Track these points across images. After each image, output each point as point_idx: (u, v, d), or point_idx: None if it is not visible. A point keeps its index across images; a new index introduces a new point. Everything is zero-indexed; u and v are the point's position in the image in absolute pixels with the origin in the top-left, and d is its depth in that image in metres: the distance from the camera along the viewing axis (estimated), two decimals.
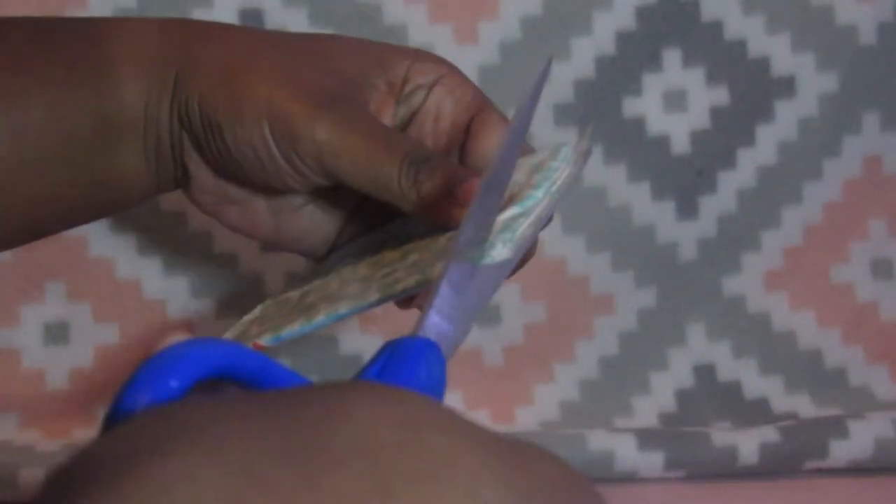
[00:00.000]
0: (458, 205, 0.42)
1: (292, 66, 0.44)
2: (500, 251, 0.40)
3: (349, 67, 0.45)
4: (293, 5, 0.64)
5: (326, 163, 0.43)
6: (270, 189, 0.46)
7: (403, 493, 0.22)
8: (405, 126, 0.47)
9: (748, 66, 0.67)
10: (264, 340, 0.44)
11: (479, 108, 0.46)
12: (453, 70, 0.47)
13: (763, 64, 0.67)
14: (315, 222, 0.48)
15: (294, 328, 0.44)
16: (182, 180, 0.47)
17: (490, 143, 0.45)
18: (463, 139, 0.46)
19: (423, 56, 0.47)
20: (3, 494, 0.60)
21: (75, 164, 0.45)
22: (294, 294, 0.46)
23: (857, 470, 0.63)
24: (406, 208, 0.43)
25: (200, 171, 0.46)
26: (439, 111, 0.46)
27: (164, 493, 0.21)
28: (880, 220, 0.70)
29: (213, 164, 0.45)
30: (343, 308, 0.43)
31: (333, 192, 0.47)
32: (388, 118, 0.46)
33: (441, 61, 0.47)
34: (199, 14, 0.63)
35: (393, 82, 0.46)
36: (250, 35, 0.47)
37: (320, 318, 0.43)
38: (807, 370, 0.69)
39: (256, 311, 0.47)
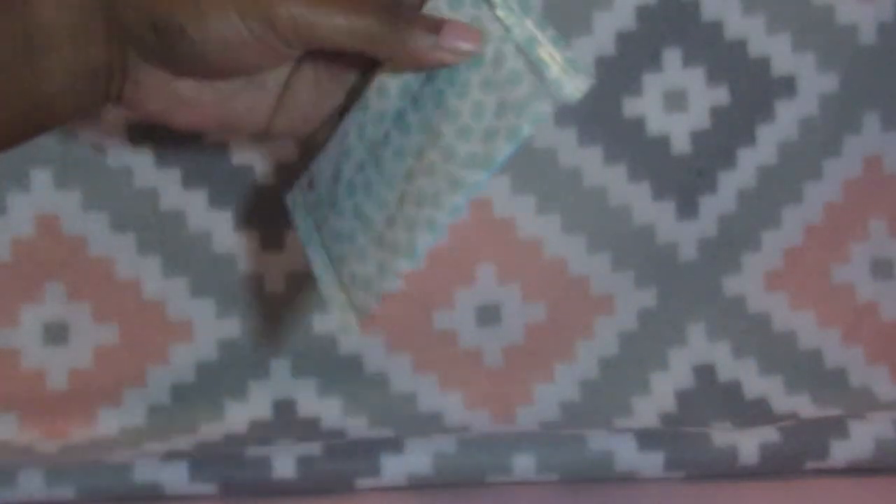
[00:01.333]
0: (440, 47, 0.44)
1: None
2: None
3: None
4: None
5: (304, 33, 0.44)
6: (236, 72, 0.47)
7: None
8: None
9: (748, 66, 0.67)
10: (402, 267, 0.45)
11: None
12: None
13: (763, 64, 0.67)
14: (256, 100, 0.49)
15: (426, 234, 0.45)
16: (122, 93, 0.47)
17: None
18: None
19: None
20: (3, 494, 0.60)
21: None
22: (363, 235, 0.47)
23: (857, 470, 0.63)
24: (390, 54, 0.45)
25: (151, 78, 0.47)
26: None
27: None
28: (880, 220, 0.70)
29: (170, 65, 0.46)
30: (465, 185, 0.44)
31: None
32: None
33: None
34: None
35: None
36: None
37: (455, 198, 0.45)
38: (807, 370, 0.69)
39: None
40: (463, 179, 0.44)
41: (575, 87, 0.42)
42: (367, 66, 0.49)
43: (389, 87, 0.47)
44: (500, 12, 0.44)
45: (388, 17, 0.45)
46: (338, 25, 0.44)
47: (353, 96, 0.50)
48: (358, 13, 0.44)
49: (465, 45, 0.45)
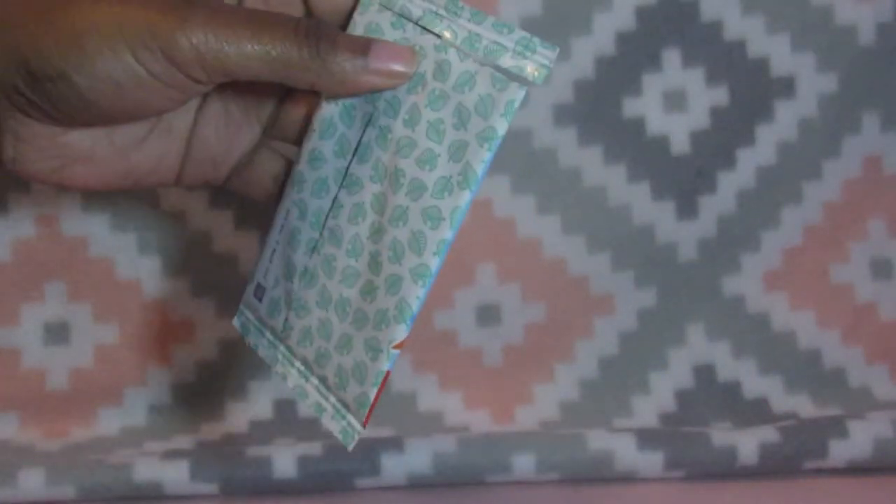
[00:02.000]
0: (370, 70, 0.40)
1: None
2: None
3: None
4: None
5: (212, 65, 0.39)
6: (134, 117, 0.41)
7: None
8: None
9: (748, 66, 0.67)
10: (398, 337, 0.40)
11: None
12: None
13: (763, 64, 0.67)
14: (163, 147, 0.44)
15: (411, 300, 0.40)
16: (1, 154, 0.42)
17: None
18: (304, 8, 0.43)
19: None
20: (2, 495, 0.60)
21: None
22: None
23: (856, 470, 0.63)
24: (313, 81, 0.40)
25: (34, 133, 0.41)
26: None
27: None
28: (880, 220, 0.70)
29: (54, 117, 0.40)
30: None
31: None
32: None
33: None
34: None
35: None
36: None
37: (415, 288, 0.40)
38: (806, 370, 0.69)
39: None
40: (443, 209, 0.39)
41: (538, 64, 0.38)
42: (283, 93, 0.45)
43: (322, 151, 0.43)
44: (427, 22, 0.40)
45: (307, 39, 0.39)
46: (250, 53, 0.39)
47: (272, 131, 0.46)
48: (272, 37, 0.39)
49: (398, 66, 0.40)
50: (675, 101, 0.67)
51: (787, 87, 0.68)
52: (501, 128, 0.39)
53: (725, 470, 0.63)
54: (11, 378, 0.65)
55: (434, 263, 0.39)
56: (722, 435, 0.63)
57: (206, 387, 0.67)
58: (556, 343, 0.68)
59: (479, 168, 0.39)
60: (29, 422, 0.65)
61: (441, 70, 0.40)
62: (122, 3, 0.39)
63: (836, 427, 0.63)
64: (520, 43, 0.39)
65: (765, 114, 0.68)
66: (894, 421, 0.64)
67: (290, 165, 0.46)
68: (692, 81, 0.67)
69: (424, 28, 0.40)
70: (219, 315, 0.66)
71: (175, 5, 0.39)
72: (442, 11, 0.40)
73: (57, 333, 0.66)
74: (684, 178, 0.68)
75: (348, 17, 0.43)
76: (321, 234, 0.42)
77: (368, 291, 0.40)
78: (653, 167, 0.68)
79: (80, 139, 0.42)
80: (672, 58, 0.67)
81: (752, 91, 0.68)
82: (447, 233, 0.39)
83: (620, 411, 0.67)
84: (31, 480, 0.60)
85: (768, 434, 0.63)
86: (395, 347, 0.40)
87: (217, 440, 0.65)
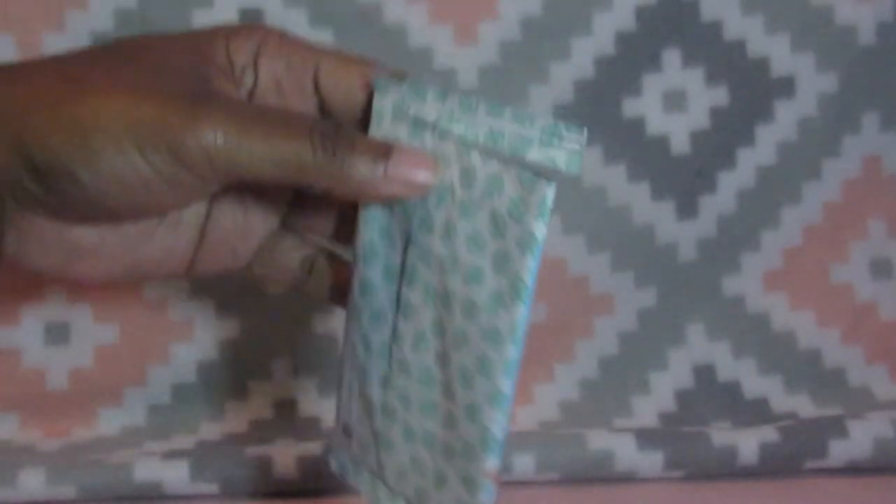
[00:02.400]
0: (390, 178, 0.38)
1: (128, 73, 0.38)
2: None
3: (177, 63, 0.40)
4: (293, 5, 0.64)
5: (222, 166, 0.37)
6: (142, 216, 0.40)
7: None
8: None
9: (748, 66, 0.67)
10: (490, 466, 0.38)
11: (316, 60, 0.41)
12: (269, 32, 0.42)
13: (763, 64, 0.67)
14: (173, 240, 0.43)
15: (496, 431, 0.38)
16: (2, 249, 0.40)
17: (344, 87, 0.41)
18: (317, 99, 0.42)
19: (233, 33, 0.42)
20: (2, 494, 0.60)
21: None
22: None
23: (856, 470, 0.63)
24: (329, 186, 0.38)
25: (37, 227, 0.39)
26: (277, 83, 0.41)
27: None
28: (880, 220, 0.70)
29: (59, 214, 0.39)
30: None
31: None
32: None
33: (253, 28, 0.42)
34: (199, 15, 0.63)
35: (221, 67, 0.41)
36: (46, 63, 0.40)
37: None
38: (806, 370, 0.69)
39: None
40: (501, 327, 0.37)
41: (568, 151, 0.36)
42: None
43: (371, 279, 0.40)
44: (444, 125, 0.38)
45: (324, 140, 0.37)
46: (262, 155, 0.37)
47: (290, 219, 0.44)
48: (286, 138, 0.37)
49: (419, 175, 0.38)
50: (675, 101, 0.67)
51: (787, 87, 0.68)
52: (539, 231, 0.36)
53: (725, 470, 0.63)
54: (11, 378, 0.65)
55: (506, 386, 0.37)
56: (722, 435, 0.63)
57: (206, 387, 0.67)
58: (556, 343, 0.68)
59: (528, 278, 0.37)
60: (29, 422, 0.65)
61: (467, 176, 0.37)
62: (131, 97, 0.37)
63: (836, 427, 0.63)
64: (545, 132, 0.36)
65: (765, 114, 0.68)
66: (894, 421, 0.64)
67: (316, 250, 0.45)
68: (692, 81, 0.67)
69: (443, 131, 0.38)
70: (219, 315, 0.66)
71: (186, 101, 0.37)
72: (458, 111, 0.38)
73: (57, 333, 0.66)
74: (684, 178, 0.68)
75: (363, 112, 0.41)
76: (390, 366, 0.40)
77: (450, 422, 0.38)
78: (653, 167, 0.68)
79: (86, 234, 0.40)
80: (672, 58, 0.67)
81: (752, 91, 0.68)
82: (511, 352, 0.37)
83: (620, 411, 0.67)
84: (32, 480, 0.60)
85: (768, 434, 0.63)
86: (489, 477, 0.38)
87: (217, 440, 0.65)
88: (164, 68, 0.39)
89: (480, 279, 0.37)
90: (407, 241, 0.39)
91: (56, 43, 0.62)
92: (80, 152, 0.37)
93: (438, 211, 0.38)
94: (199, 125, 0.37)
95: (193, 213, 0.43)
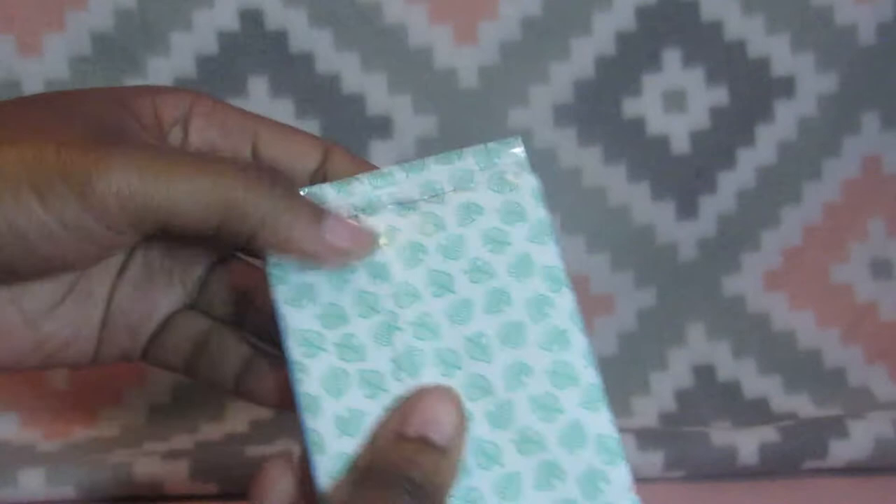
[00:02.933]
0: (325, 240, 0.35)
1: (37, 118, 0.34)
2: None
3: (98, 112, 0.36)
4: (293, 5, 0.64)
5: (134, 209, 0.33)
6: (42, 274, 0.35)
7: None
8: None
9: (748, 66, 0.67)
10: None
11: (255, 128, 0.39)
12: (200, 97, 0.39)
13: (763, 64, 0.67)
14: (80, 315, 0.38)
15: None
16: None
17: (286, 158, 0.39)
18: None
19: (161, 91, 0.39)
20: (3, 494, 0.60)
21: None
22: None
23: (856, 470, 0.63)
24: (255, 230, 0.35)
25: None
26: (212, 148, 0.39)
27: None
28: (879, 220, 0.70)
29: None
30: None
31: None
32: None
33: (183, 92, 0.39)
34: (199, 15, 0.63)
35: (146, 125, 0.38)
36: None
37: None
38: (806, 370, 0.69)
39: None
40: (559, 322, 0.36)
41: (512, 162, 0.37)
42: (213, 260, 0.40)
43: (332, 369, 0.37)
44: (376, 199, 0.37)
45: (259, 178, 0.34)
46: (183, 192, 0.33)
47: (197, 299, 0.41)
48: (213, 173, 0.33)
49: (354, 246, 0.36)
50: (675, 101, 0.67)
51: (787, 87, 0.68)
52: (543, 213, 0.37)
53: (725, 470, 0.63)
54: (11, 378, 0.65)
55: (593, 376, 0.36)
56: (722, 435, 0.63)
57: (206, 387, 0.66)
58: None
59: (557, 260, 0.36)
60: (29, 422, 0.65)
61: (431, 222, 0.37)
62: (33, 139, 0.33)
63: (836, 427, 0.63)
64: (479, 161, 0.37)
65: (765, 114, 0.68)
66: (894, 421, 0.64)
67: (212, 326, 0.41)
68: (692, 81, 0.67)
69: (400, 203, 0.38)
70: None
71: (95, 143, 0.33)
72: (381, 182, 0.37)
73: None
74: (684, 178, 0.68)
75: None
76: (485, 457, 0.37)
77: (554, 471, 0.36)
78: (653, 167, 0.68)
79: None
80: (672, 58, 0.67)
81: (752, 91, 0.68)
82: (580, 341, 0.36)
83: (620, 411, 0.67)
84: (32, 480, 0.60)
85: (768, 434, 0.63)
86: (634, 494, 0.36)
87: (217, 440, 0.65)
88: (78, 114, 0.35)
89: (507, 300, 0.37)
90: (386, 327, 0.37)
91: (56, 43, 0.62)
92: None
93: (414, 273, 0.37)
94: (110, 165, 0.32)
95: (101, 286, 0.38)
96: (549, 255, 0.37)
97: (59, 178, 0.32)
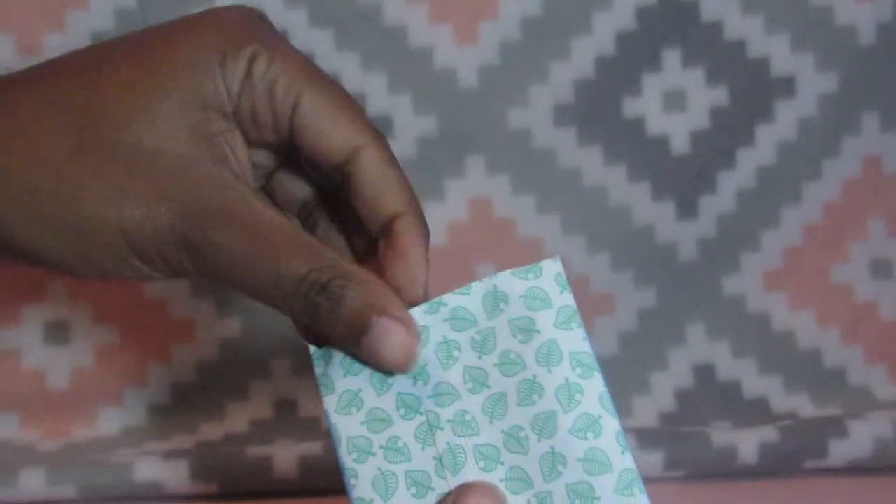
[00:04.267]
0: (361, 352, 0.37)
1: (119, 176, 0.37)
2: None
3: (177, 133, 0.38)
4: (293, 5, 0.64)
5: (205, 273, 0.38)
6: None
7: None
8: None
9: (748, 66, 0.67)
10: None
11: (299, 93, 0.39)
12: (261, 49, 0.39)
13: (763, 64, 0.67)
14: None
15: None
16: None
17: (322, 140, 0.39)
18: (290, 136, 0.40)
19: (225, 50, 0.39)
20: (3, 494, 0.60)
21: None
22: None
23: (856, 470, 0.63)
24: (296, 326, 0.39)
25: None
26: (253, 114, 0.39)
27: None
28: (879, 220, 0.70)
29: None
30: None
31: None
32: (243, 153, 0.40)
33: (243, 43, 0.39)
34: None
35: (224, 111, 0.39)
36: (18, 146, 0.38)
37: None
38: (806, 370, 0.69)
39: None
40: (592, 411, 0.37)
41: (555, 275, 0.38)
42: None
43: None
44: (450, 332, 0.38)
45: (308, 295, 0.37)
46: (244, 285, 0.37)
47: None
48: (274, 284, 0.37)
49: (394, 352, 0.37)
50: (675, 101, 0.67)
51: (787, 87, 0.68)
52: (569, 300, 0.37)
53: (725, 470, 0.63)
54: (11, 378, 0.65)
55: (628, 461, 0.37)
56: (722, 435, 0.63)
57: (206, 387, 0.67)
58: None
59: (584, 345, 0.37)
60: (29, 422, 0.65)
61: (467, 318, 0.38)
62: (130, 214, 0.37)
63: (836, 427, 0.63)
64: (525, 278, 0.38)
65: (765, 114, 0.68)
66: (894, 421, 0.64)
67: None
68: (692, 81, 0.67)
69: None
70: (219, 315, 0.66)
71: (187, 223, 0.37)
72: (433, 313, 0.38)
73: (57, 333, 0.66)
74: (684, 178, 0.68)
75: (339, 167, 0.40)
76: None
77: None
78: (653, 167, 0.68)
79: None
80: (672, 58, 0.67)
81: (752, 91, 0.68)
82: (612, 426, 0.37)
83: (620, 411, 0.67)
84: (32, 480, 0.60)
85: (768, 434, 0.63)
86: None
87: (217, 440, 0.65)
88: (157, 164, 0.37)
89: (539, 391, 0.37)
90: (427, 426, 0.38)
91: (56, 43, 0.62)
92: (73, 257, 0.37)
93: (451, 371, 0.38)
94: (200, 249, 0.37)
95: None
96: (576, 340, 0.37)
97: (156, 251, 0.37)
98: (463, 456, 0.37)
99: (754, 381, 0.69)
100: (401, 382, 0.38)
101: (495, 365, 0.38)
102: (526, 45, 0.66)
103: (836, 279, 0.70)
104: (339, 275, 0.37)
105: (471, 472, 0.37)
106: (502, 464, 0.37)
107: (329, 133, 0.39)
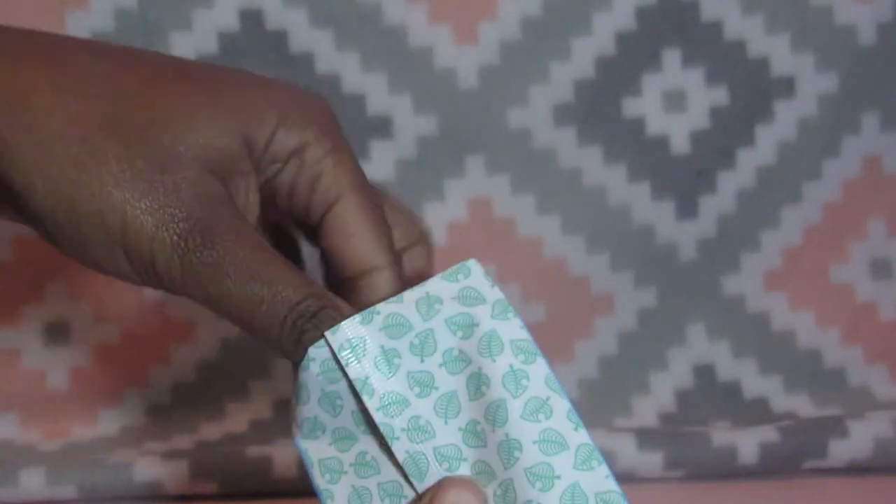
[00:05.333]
0: None
1: (141, 166, 0.37)
2: None
3: (208, 150, 0.38)
4: (293, 6, 0.64)
5: (191, 294, 0.37)
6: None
7: None
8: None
9: (748, 66, 0.67)
10: None
11: (336, 196, 0.40)
12: (321, 136, 0.40)
13: (763, 64, 0.67)
14: None
15: None
16: None
17: (345, 247, 0.40)
18: (317, 221, 0.41)
19: (289, 113, 0.39)
20: (3, 494, 0.60)
21: None
22: None
23: (856, 470, 0.63)
24: (283, 355, 0.38)
25: None
26: (292, 188, 0.40)
27: None
28: (879, 220, 0.70)
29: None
30: None
31: None
32: (254, 201, 0.40)
33: (308, 123, 0.40)
34: (199, 15, 0.63)
35: (257, 159, 0.39)
36: (73, 91, 0.38)
37: None
38: (806, 370, 0.69)
39: None
40: (536, 393, 0.37)
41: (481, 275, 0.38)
42: None
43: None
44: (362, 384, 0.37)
45: (295, 324, 0.37)
46: (230, 306, 0.37)
47: None
48: (263, 309, 0.37)
49: None
50: (675, 101, 0.67)
51: (787, 87, 0.68)
52: (500, 294, 0.37)
53: (725, 470, 0.63)
54: (11, 378, 0.65)
55: (583, 436, 0.36)
56: (722, 435, 0.63)
57: (206, 387, 0.67)
58: (555, 343, 0.68)
59: (523, 333, 0.37)
60: (29, 422, 0.65)
61: (402, 324, 0.37)
62: (133, 208, 0.36)
63: (836, 427, 0.63)
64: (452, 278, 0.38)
65: (765, 114, 0.68)
66: (894, 421, 0.64)
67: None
68: (692, 81, 0.67)
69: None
70: (219, 315, 0.66)
71: (185, 235, 0.37)
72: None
73: (57, 333, 0.66)
74: (684, 178, 0.68)
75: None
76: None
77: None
78: (653, 167, 0.68)
79: None
80: (672, 58, 0.67)
81: (752, 91, 0.68)
82: (562, 405, 0.37)
83: (620, 411, 0.67)
84: (32, 480, 0.60)
85: (768, 434, 0.63)
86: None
87: (217, 440, 0.65)
88: (186, 158, 0.37)
89: (484, 380, 0.37)
90: (387, 438, 0.37)
91: None
92: (63, 219, 0.37)
93: (394, 380, 0.37)
94: (184, 263, 0.37)
95: None
96: (514, 329, 0.37)
97: (144, 257, 0.37)
98: (425, 461, 0.37)
99: (754, 381, 0.69)
100: (349, 401, 0.38)
101: (440, 365, 0.37)
102: (526, 45, 0.66)
103: (836, 279, 0.70)
104: (331, 306, 0.37)
105: (434, 476, 0.37)
106: (465, 460, 0.37)
107: (355, 246, 0.40)
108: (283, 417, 0.66)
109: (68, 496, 0.60)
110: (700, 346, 0.69)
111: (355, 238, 0.40)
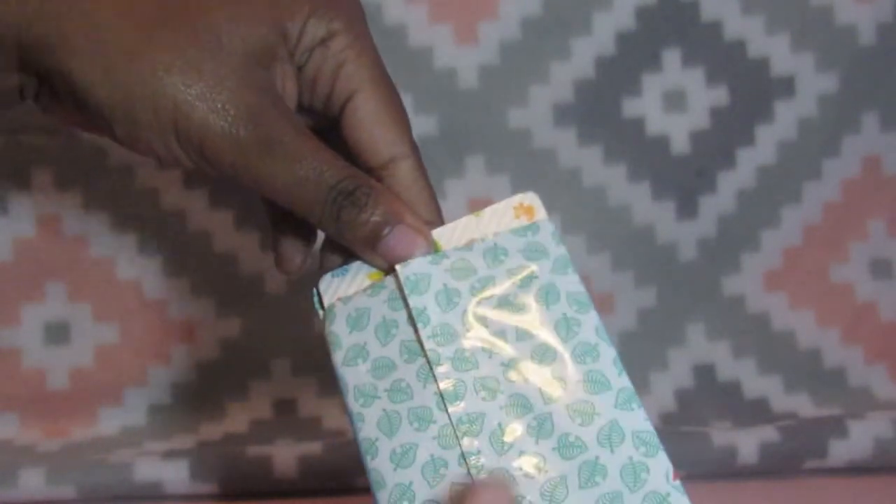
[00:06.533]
0: (376, 254, 0.41)
1: (191, 54, 0.39)
2: None
3: (250, 39, 0.40)
4: None
5: (239, 176, 0.40)
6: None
7: None
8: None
9: (748, 66, 0.67)
10: None
11: (355, 90, 0.42)
12: (348, 27, 0.42)
13: (763, 64, 0.67)
14: None
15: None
16: (39, 101, 0.42)
17: (367, 137, 0.42)
18: (339, 111, 0.43)
19: (319, 4, 0.42)
20: (3, 494, 0.60)
21: None
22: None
23: (856, 470, 0.63)
24: (324, 232, 0.42)
25: (51, 111, 0.42)
26: (316, 77, 0.43)
27: None
28: (879, 220, 0.70)
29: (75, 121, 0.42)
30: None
31: None
32: (291, 89, 0.43)
33: (336, 14, 0.42)
34: None
35: (291, 49, 0.42)
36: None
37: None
38: (806, 370, 0.69)
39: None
40: (590, 339, 0.40)
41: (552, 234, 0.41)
42: None
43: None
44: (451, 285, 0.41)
45: (335, 202, 0.40)
46: (279, 186, 0.40)
47: None
48: (307, 186, 0.40)
49: (410, 252, 0.41)
50: (675, 101, 0.67)
51: (787, 87, 0.68)
52: (563, 251, 0.41)
53: (725, 470, 0.63)
54: (11, 378, 0.65)
55: (625, 381, 0.39)
56: (722, 435, 0.63)
57: (206, 387, 0.67)
58: None
59: (580, 287, 0.40)
60: (29, 422, 0.65)
61: (468, 268, 0.41)
62: (184, 92, 0.39)
63: (836, 427, 0.63)
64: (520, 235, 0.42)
65: (765, 114, 0.68)
66: (894, 421, 0.64)
67: None
68: (692, 81, 0.67)
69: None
70: (219, 315, 0.66)
71: (235, 121, 0.39)
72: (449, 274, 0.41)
73: (57, 333, 0.66)
74: (684, 178, 0.68)
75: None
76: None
77: (596, 468, 0.38)
78: (653, 167, 0.68)
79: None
80: (672, 58, 0.67)
81: (752, 91, 0.68)
82: (609, 352, 0.39)
83: None
84: (32, 480, 0.60)
85: (768, 434, 0.63)
86: (675, 479, 0.39)
87: (217, 440, 0.65)
88: (228, 49, 0.39)
89: (535, 325, 0.40)
90: (428, 366, 0.40)
91: None
92: (119, 109, 0.39)
93: (451, 314, 0.40)
94: (237, 147, 0.39)
95: None
96: (572, 282, 0.40)
97: (196, 139, 0.39)
98: (463, 388, 0.39)
99: (754, 381, 0.69)
100: (403, 331, 0.40)
101: (494, 308, 0.40)
102: (526, 45, 0.66)
103: (836, 279, 0.70)
104: (366, 185, 0.40)
105: (471, 400, 0.39)
106: (502, 392, 0.39)
107: (376, 136, 0.43)
108: (283, 417, 0.66)
109: (68, 496, 0.60)
110: (700, 346, 0.69)
111: (377, 127, 0.42)
